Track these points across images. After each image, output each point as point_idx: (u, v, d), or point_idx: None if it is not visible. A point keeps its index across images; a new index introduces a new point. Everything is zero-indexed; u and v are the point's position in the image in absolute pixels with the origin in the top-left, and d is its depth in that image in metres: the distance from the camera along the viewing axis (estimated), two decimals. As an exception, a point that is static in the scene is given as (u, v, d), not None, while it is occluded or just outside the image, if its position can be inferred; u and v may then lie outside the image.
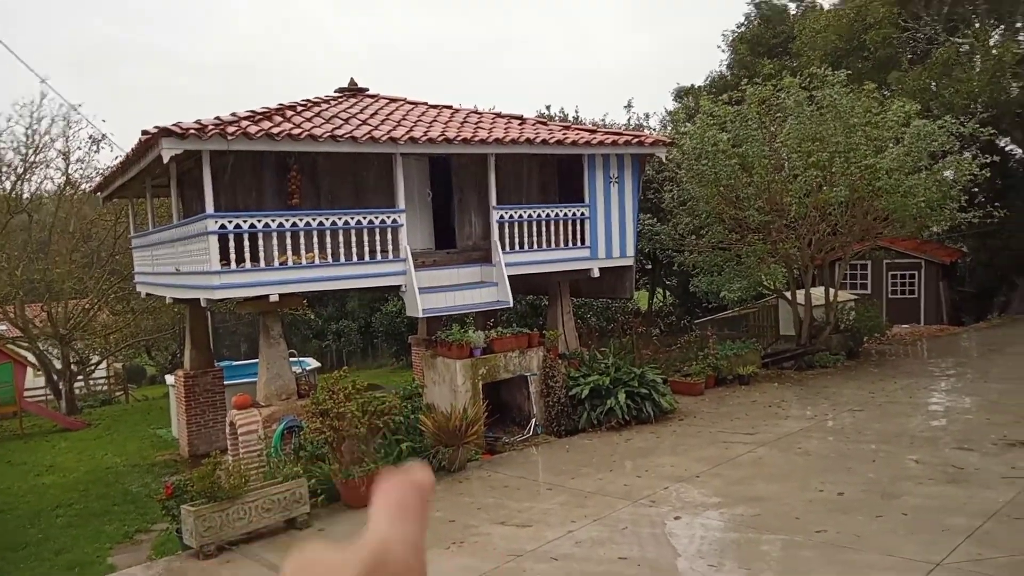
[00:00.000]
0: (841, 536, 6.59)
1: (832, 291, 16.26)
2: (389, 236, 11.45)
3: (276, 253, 10.60)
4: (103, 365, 32.20)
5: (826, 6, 25.84)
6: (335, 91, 14.53)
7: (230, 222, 10.16)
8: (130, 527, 10.00)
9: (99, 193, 15.80)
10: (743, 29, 28.67)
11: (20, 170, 23.29)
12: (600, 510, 7.76)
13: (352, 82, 14.74)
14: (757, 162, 14.16)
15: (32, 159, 23.25)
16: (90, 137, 24.37)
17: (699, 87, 28.11)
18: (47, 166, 23.89)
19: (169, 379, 17.12)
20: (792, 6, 28.61)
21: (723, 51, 29.44)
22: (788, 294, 16.48)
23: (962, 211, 15.29)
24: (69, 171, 23.95)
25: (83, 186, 24.29)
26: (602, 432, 11.23)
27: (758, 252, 14.72)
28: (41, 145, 23.24)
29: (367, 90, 14.76)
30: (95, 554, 8.95)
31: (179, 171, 12.22)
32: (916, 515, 6.94)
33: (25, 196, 24.04)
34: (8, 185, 23.38)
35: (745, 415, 11.60)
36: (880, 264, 23.71)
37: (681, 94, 28.68)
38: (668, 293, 28.58)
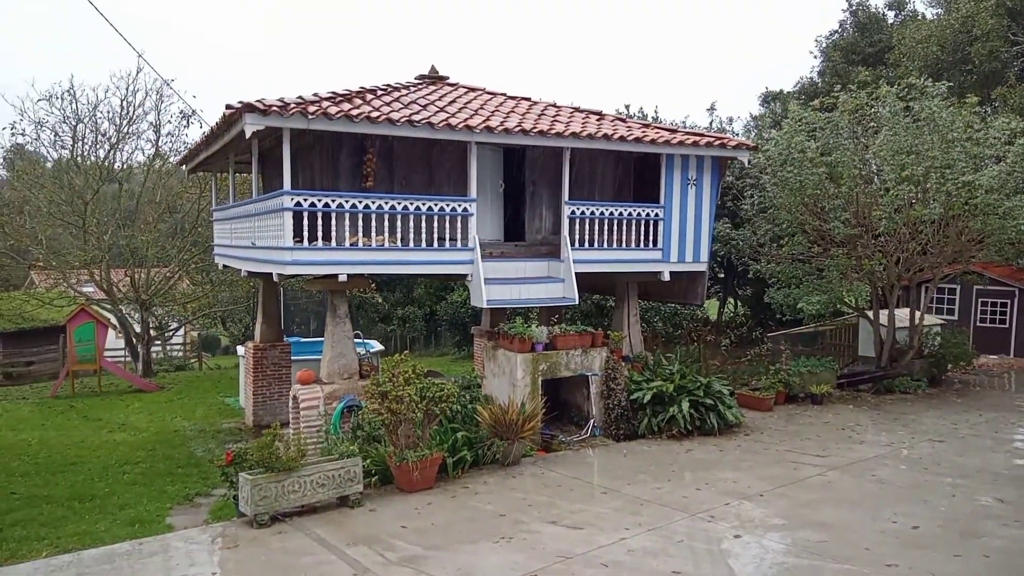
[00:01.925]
0: (914, 573, 6.17)
1: (918, 314, 15.43)
2: (459, 224, 11.42)
3: (347, 234, 10.69)
4: (180, 332, 33.53)
5: (928, 16, 24.55)
6: (415, 78, 14.58)
7: (305, 200, 10.30)
8: (191, 489, 10.28)
9: (184, 165, 16.33)
10: (837, 36, 27.55)
11: (114, 140, 24.35)
12: (655, 520, 7.51)
13: (433, 69, 14.77)
14: (846, 172, 13.51)
15: (126, 130, 24.27)
16: (181, 112, 25.33)
17: (787, 93, 27.18)
18: (139, 137, 24.89)
19: (240, 350, 17.63)
20: (891, 15, 27.32)
21: (815, 57, 28.41)
22: (870, 313, 15.71)
23: (1067, 239, 14.24)
24: (159, 143, 24.92)
25: (171, 159, 25.23)
26: (662, 440, 10.93)
27: (841, 266, 14.05)
28: (135, 117, 24.23)
29: (447, 78, 14.76)
30: (155, 512, 9.21)
31: (261, 149, 12.48)
32: (999, 558, 6.44)
33: (116, 165, 25.12)
34: (102, 153, 24.47)
35: (816, 436, 11.09)
36: (970, 289, 22.46)
37: (768, 99, 27.78)
38: (740, 303, 27.79)
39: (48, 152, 25.02)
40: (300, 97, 10.54)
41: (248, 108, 9.63)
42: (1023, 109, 18.62)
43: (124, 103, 23.93)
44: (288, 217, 10.20)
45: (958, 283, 21.52)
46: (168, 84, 25.19)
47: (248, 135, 9.77)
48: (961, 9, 20.94)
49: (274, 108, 9.71)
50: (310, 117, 9.91)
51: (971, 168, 12.84)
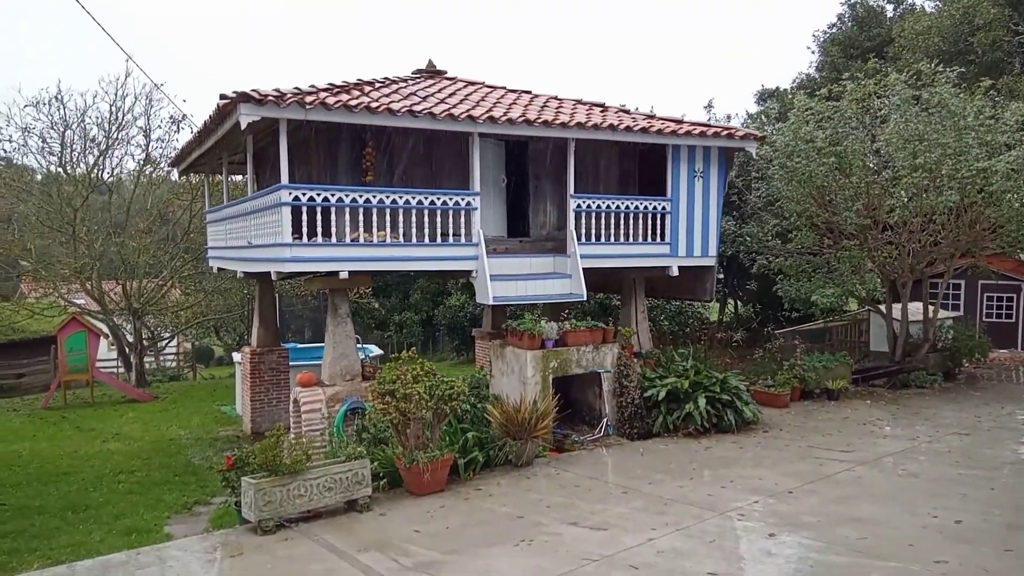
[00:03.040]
0: (965, 569, 5.78)
1: (932, 307, 15.11)
2: (462, 219, 11.05)
3: (348, 229, 10.30)
4: (174, 342, 33.00)
5: (928, 8, 24.36)
6: (413, 72, 14.23)
7: (304, 194, 9.92)
8: (189, 498, 9.83)
9: (176, 167, 15.90)
10: (835, 30, 27.35)
11: (103, 146, 23.86)
12: (682, 519, 7.11)
13: (431, 64, 14.40)
14: (856, 161, 13.18)
15: (115, 136, 23.79)
16: (171, 117, 24.89)
17: (784, 90, 26.93)
18: (128, 143, 24.40)
19: (236, 356, 17.18)
20: (889, 8, 27.16)
21: (812, 52, 28.18)
22: (883, 307, 15.37)
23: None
24: (149, 149, 24.45)
25: (162, 164, 24.77)
26: (678, 438, 10.53)
27: (853, 258, 13.70)
28: (124, 123, 23.76)
29: (445, 72, 14.41)
30: (153, 522, 8.76)
31: (255, 148, 12.12)
32: (1053, 552, 6.07)
33: (106, 173, 24.61)
34: (91, 160, 23.98)
35: (837, 431, 10.71)
36: (975, 284, 22.21)
37: (765, 96, 27.49)
38: (741, 303, 27.43)
39: (36, 159, 24.54)
40: (297, 88, 10.17)
41: (244, 98, 9.25)
42: (1029, 98, 18.36)
43: (113, 108, 23.48)
44: (287, 212, 9.81)
45: (963, 278, 21.28)
46: (159, 87, 24.89)
47: (243, 126, 9.37)
48: (961, 0, 20.78)
49: (270, 98, 9.34)
50: (307, 107, 9.54)
51: (985, 155, 12.53)
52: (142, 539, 7.90)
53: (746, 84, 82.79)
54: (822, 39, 27.18)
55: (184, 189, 25.00)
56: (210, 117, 10.59)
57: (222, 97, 9.54)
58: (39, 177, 27.07)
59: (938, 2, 23.69)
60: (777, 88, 27.28)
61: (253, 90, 9.38)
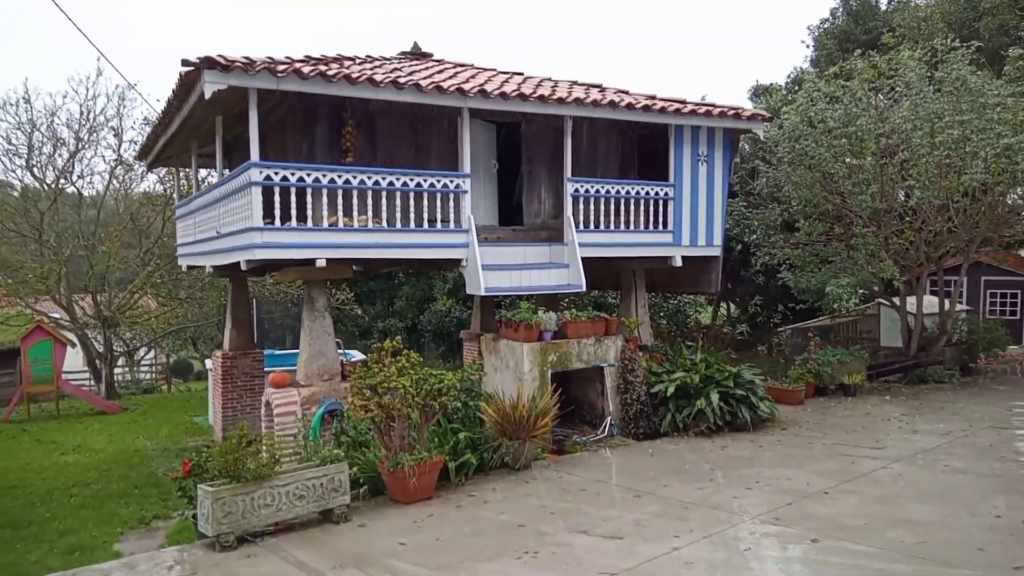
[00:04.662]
0: (1052, 577, 4.90)
1: (948, 300, 14.33)
2: (451, 203, 10.11)
3: (326, 213, 9.34)
4: (150, 355, 31.71)
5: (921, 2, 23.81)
6: (398, 54, 13.34)
7: (276, 173, 8.94)
8: (147, 512, 8.79)
9: (144, 159, 14.87)
10: (828, 24, 26.75)
11: (73, 148, 22.75)
12: (708, 525, 6.18)
13: (416, 46, 13.50)
14: (870, 141, 12.37)
15: (85, 137, 22.69)
16: (145, 119, 23.78)
17: (779, 85, 26.26)
18: (98, 144, 23.29)
19: (208, 363, 16.14)
20: (883, 1, 26.62)
21: (807, 46, 27.55)
22: (896, 300, 14.56)
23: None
24: (121, 151, 23.35)
25: (135, 166, 23.67)
26: (689, 437, 9.62)
27: (869, 245, 12.87)
28: (95, 124, 22.67)
29: (432, 55, 13.53)
30: (102, 539, 7.74)
31: (226, 137, 11.19)
32: None
33: (76, 176, 23.45)
34: (60, 162, 22.83)
35: (862, 427, 9.84)
36: (978, 280, 21.69)
37: (759, 92, 26.80)
38: (735, 306, 26.64)
39: (2, 162, 23.31)
40: (269, 57, 9.23)
41: (208, 63, 8.26)
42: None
43: (83, 108, 22.40)
44: (257, 193, 8.82)
45: (966, 274, 20.74)
46: (133, 87, 23.74)
47: (208, 96, 8.40)
48: (965, -16, 20.23)
49: (238, 64, 8.35)
50: (279, 75, 8.58)
51: (1009, 132, 11.77)
52: (86, 558, 6.89)
53: (739, 81, 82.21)
54: (816, 32, 26.60)
55: (158, 196, 23.94)
56: (174, 90, 9.59)
57: (184, 63, 8.55)
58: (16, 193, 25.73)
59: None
60: (772, 84, 26.63)
61: (219, 55, 8.42)
